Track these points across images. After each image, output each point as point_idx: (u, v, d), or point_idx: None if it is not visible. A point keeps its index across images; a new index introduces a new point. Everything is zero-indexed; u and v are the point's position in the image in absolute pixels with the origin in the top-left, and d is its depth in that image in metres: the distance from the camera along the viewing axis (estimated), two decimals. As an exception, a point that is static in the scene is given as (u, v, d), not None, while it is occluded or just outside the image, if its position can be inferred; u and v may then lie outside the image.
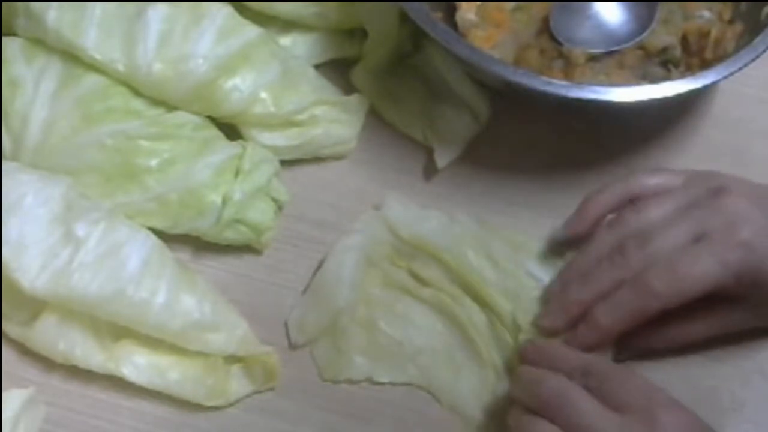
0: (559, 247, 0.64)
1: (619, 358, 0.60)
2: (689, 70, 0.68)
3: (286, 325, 0.62)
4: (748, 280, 0.56)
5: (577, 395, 0.53)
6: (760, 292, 0.57)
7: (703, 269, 0.55)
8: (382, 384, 0.61)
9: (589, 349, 0.57)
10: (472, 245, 0.64)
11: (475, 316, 0.62)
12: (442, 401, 0.60)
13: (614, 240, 0.59)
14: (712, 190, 0.58)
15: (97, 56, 0.63)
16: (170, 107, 0.65)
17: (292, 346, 0.61)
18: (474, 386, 0.60)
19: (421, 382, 0.60)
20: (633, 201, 0.60)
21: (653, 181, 0.61)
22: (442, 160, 0.68)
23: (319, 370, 0.61)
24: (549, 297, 0.61)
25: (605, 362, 0.57)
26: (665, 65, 0.69)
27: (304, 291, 0.63)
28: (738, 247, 0.55)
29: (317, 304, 0.62)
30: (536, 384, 0.54)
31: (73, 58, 0.64)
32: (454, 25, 0.70)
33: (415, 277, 0.63)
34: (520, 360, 0.58)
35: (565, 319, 0.59)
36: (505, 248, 0.64)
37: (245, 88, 0.65)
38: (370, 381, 0.61)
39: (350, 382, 0.61)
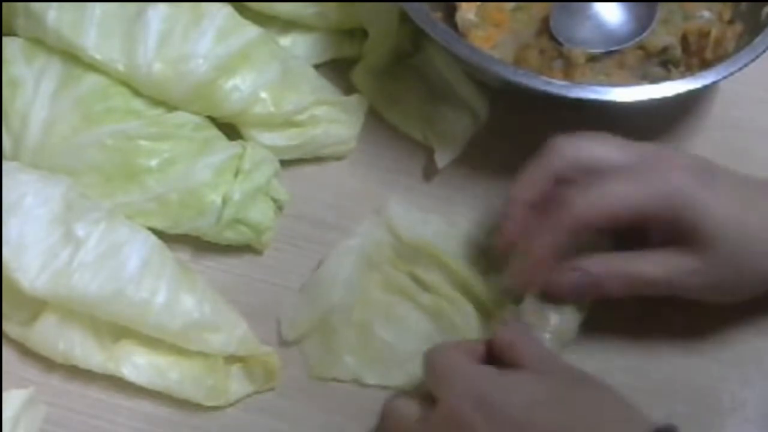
0: None
1: (557, 289, 0.58)
2: (689, 70, 0.68)
3: (278, 320, 0.62)
4: (671, 213, 0.55)
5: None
6: (689, 227, 0.55)
7: (624, 189, 0.55)
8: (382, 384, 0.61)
9: (527, 278, 0.58)
10: (473, 249, 0.64)
11: (473, 322, 0.61)
12: None
13: (569, 197, 0.57)
14: (658, 156, 0.58)
15: (97, 56, 0.63)
16: (170, 107, 0.65)
17: (283, 342, 0.61)
18: None
19: (408, 389, 0.60)
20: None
21: (584, 155, 0.59)
22: (442, 160, 0.68)
23: (308, 367, 0.61)
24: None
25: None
26: (665, 65, 0.69)
27: (301, 289, 0.63)
28: (665, 171, 0.55)
29: (310, 301, 0.62)
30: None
31: (73, 58, 0.64)
32: (454, 25, 0.70)
33: (417, 280, 0.63)
34: None
35: (527, 275, 0.59)
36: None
37: (245, 88, 0.65)
38: (357, 382, 0.60)
39: (337, 381, 0.61)
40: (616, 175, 0.56)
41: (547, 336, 0.57)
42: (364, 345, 0.61)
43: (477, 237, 0.64)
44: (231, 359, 0.60)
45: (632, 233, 0.58)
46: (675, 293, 0.58)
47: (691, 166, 0.56)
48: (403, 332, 0.61)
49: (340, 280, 0.62)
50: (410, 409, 0.54)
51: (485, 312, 0.62)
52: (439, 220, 0.65)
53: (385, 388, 0.60)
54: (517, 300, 0.59)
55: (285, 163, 0.67)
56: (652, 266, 0.57)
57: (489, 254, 0.63)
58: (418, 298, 0.62)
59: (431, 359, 0.55)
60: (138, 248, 0.59)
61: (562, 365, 0.54)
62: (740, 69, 0.63)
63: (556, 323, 0.57)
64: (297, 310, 0.62)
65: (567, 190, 0.56)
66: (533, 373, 0.52)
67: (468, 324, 0.61)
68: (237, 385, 0.60)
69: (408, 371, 0.60)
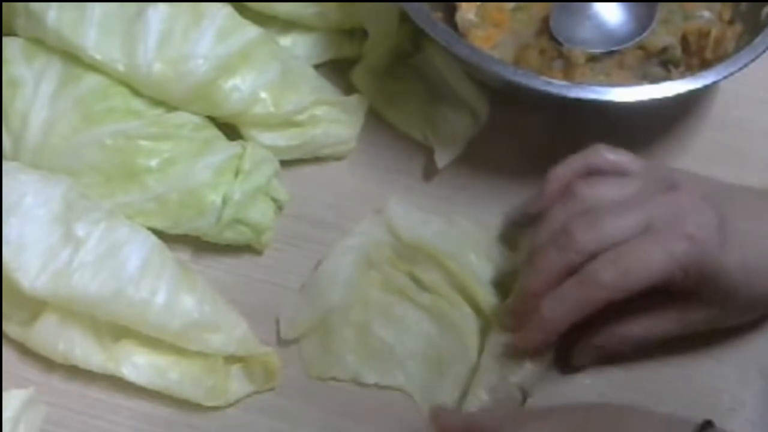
0: None
1: (577, 363, 0.60)
2: (689, 70, 0.68)
3: (277, 320, 0.62)
4: (694, 272, 0.55)
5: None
6: (710, 288, 0.56)
7: (649, 260, 0.55)
8: (381, 384, 0.61)
9: (536, 345, 0.58)
10: (473, 249, 0.64)
11: (471, 322, 0.61)
12: (423, 409, 0.60)
13: (563, 217, 0.58)
14: (665, 184, 0.57)
15: (97, 56, 0.63)
16: (170, 107, 0.65)
17: (282, 342, 0.61)
18: (457, 396, 0.60)
19: (407, 388, 0.60)
20: (590, 174, 0.60)
21: (612, 156, 0.60)
22: (442, 160, 0.68)
23: (306, 366, 0.61)
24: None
25: None
26: (665, 65, 0.69)
27: (301, 289, 0.63)
28: (683, 239, 0.55)
29: (310, 301, 0.62)
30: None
31: (73, 58, 0.64)
32: (454, 25, 0.70)
33: (416, 281, 0.63)
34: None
35: (521, 312, 0.58)
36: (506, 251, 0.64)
37: (245, 88, 0.65)
38: (356, 382, 0.60)
39: (336, 380, 0.60)
40: (636, 246, 0.55)
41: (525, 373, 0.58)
42: (363, 344, 0.61)
43: (477, 240, 0.64)
44: (231, 359, 0.60)
45: None
46: None
47: (706, 220, 0.55)
48: (403, 332, 0.61)
49: (339, 280, 0.62)
50: None
51: (484, 314, 0.62)
52: (439, 220, 0.65)
53: (384, 387, 0.60)
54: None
55: (285, 163, 0.67)
56: (663, 328, 0.58)
57: (490, 259, 0.63)
58: (417, 298, 0.62)
59: None
60: (138, 248, 0.59)
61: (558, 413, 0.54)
62: (740, 69, 0.63)
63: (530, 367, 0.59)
64: (296, 309, 0.62)
65: (590, 264, 0.55)
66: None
67: (467, 324, 0.61)
68: (237, 385, 0.60)
69: (407, 370, 0.60)
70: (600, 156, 0.60)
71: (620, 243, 0.55)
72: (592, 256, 0.55)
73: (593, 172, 0.60)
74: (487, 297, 0.61)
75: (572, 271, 0.56)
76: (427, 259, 0.63)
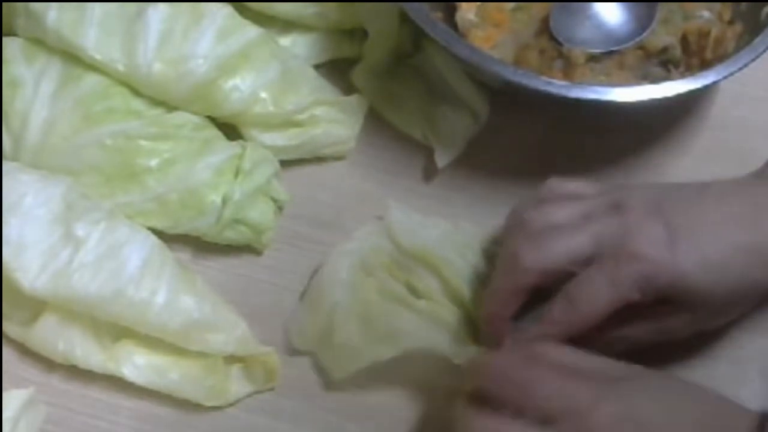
0: None
1: None
2: (689, 70, 0.68)
3: (285, 330, 0.62)
4: (651, 289, 0.54)
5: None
6: (676, 297, 0.55)
7: (594, 293, 0.55)
8: (382, 384, 0.61)
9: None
10: (473, 253, 0.63)
11: (466, 328, 0.61)
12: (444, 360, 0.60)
13: (512, 245, 0.58)
14: (611, 205, 0.57)
15: (97, 56, 0.63)
16: (170, 107, 0.65)
17: (292, 352, 0.61)
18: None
19: (420, 351, 0.60)
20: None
21: (562, 187, 0.60)
22: (442, 160, 0.68)
23: (328, 373, 0.61)
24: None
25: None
26: (665, 65, 0.69)
27: (303, 294, 0.63)
28: (628, 261, 0.54)
29: (313, 309, 0.62)
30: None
31: (73, 58, 0.64)
32: (454, 25, 0.70)
33: (411, 289, 0.62)
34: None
35: (491, 329, 0.59)
36: None
37: (245, 88, 0.65)
38: (378, 365, 0.59)
39: (361, 374, 0.60)
40: (583, 280, 0.55)
41: None
42: (369, 331, 0.60)
43: (479, 243, 0.64)
44: (231, 359, 0.60)
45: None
46: None
47: (652, 235, 0.55)
48: (402, 320, 0.61)
49: (338, 284, 0.61)
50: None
51: (475, 323, 0.61)
52: (441, 225, 0.64)
53: (386, 387, 0.60)
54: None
55: (285, 163, 0.67)
56: (645, 334, 0.58)
57: (490, 259, 0.63)
58: (412, 304, 0.61)
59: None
60: (138, 248, 0.59)
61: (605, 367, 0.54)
62: (740, 69, 0.63)
63: None
64: (302, 319, 0.62)
65: (517, 244, 0.57)
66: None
67: (462, 328, 0.61)
68: (237, 385, 0.60)
69: (416, 336, 0.60)
70: (549, 188, 0.60)
71: (568, 264, 0.55)
72: (545, 278, 0.56)
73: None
74: (482, 309, 0.61)
75: (526, 292, 0.57)
76: (425, 267, 0.63)
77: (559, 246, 0.56)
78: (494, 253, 0.63)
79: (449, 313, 0.61)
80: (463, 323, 0.61)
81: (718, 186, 0.58)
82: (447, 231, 0.64)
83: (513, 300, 0.58)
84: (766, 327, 0.63)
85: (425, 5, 0.65)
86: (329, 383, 0.61)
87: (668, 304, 0.56)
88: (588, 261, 0.55)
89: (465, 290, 0.62)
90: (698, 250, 0.55)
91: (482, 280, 0.62)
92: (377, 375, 0.61)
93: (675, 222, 0.55)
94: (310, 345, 0.61)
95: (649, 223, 0.55)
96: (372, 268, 0.62)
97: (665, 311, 0.56)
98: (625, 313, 0.56)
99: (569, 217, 0.57)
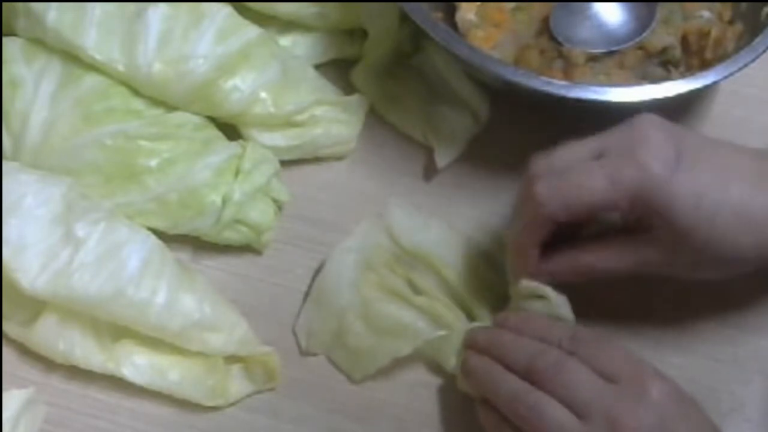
0: None
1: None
2: (689, 70, 0.68)
3: (294, 333, 0.62)
4: (641, 203, 0.54)
5: (574, 365, 0.53)
6: (660, 223, 0.55)
7: (591, 182, 0.55)
8: (382, 384, 0.61)
9: (518, 271, 0.59)
10: (472, 256, 0.63)
11: (464, 324, 0.61)
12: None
13: (524, 184, 0.58)
14: (623, 123, 0.57)
15: (97, 56, 0.63)
16: (170, 107, 0.65)
17: (304, 353, 0.61)
18: None
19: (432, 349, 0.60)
20: None
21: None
22: (442, 160, 0.68)
23: (347, 373, 0.61)
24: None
25: (590, 332, 0.56)
26: (665, 65, 0.69)
27: (306, 295, 0.63)
28: (632, 166, 0.54)
29: (321, 308, 0.62)
30: (532, 357, 0.54)
31: (73, 58, 0.64)
32: (454, 25, 0.70)
33: (412, 285, 0.62)
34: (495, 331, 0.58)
35: (519, 268, 0.59)
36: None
37: (245, 88, 0.65)
38: (398, 359, 0.60)
39: (381, 372, 0.60)
40: (581, 169, 0.56)
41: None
42: (379, 329, 0.60)
43: (478, 241, 0.64)
44: (231, 359, 0.60)
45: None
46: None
47: (660, 151, 0.55)
48: (405, 312, 0.61)
49: (343, 284, 0.61)
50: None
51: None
52: (441, 225, 0.64)
53: (385, 384, 0.61)
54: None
55: (285, 163, 0.67)
56: (618, 259, 0.57)
57: (490, 260, 0.63)
58: (412, 300, 0.62)
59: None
60: (138, 248, 0.59)
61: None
62: (740, 69, 0.63)
63: (554, 296, 0.58)
64: (310, 319, 0.62)
65: (536, 187, 0.56)
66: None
67: (460, 325, 0.61)
68: (237, 385, 0.60)
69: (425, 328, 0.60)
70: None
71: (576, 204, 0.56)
72: (553, 215, 0.56)
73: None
74: (481, 309, 0.62)
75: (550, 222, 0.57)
76: (425, 266, 0.63)
77: (566, 151, 0.57)
78: (492, 253, 0.63)
79: (447, 310, 0.61)
80: (462, 321, 0.61)
81: (737, 145, 0.58)
82: (445, 231, 0.64)
83: (538, 230, 0.57)
84: (765, 327, 0.63)
85: (425, 5, 0.65)
86: (329, 383, 0.61)
87: (648, 232, 0.56)
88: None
89: (463, 289, 0.62)
90: (696, 183, 0.54)
91: (481, 280, 0.62)
92: (377, 375, 0.61)
93: (685, 149, 0.55)
94: (322, 347, 0.61)
95: (659, 139, 0.55)
96: (373, 264, 0.62)
97: (644, 239, 0.56)
98: (610, 237, 0.56)
99: (579, 156, 0.57)
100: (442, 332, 0.60)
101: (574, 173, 0.55)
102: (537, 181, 0.56)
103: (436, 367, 0.61)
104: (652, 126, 0.56)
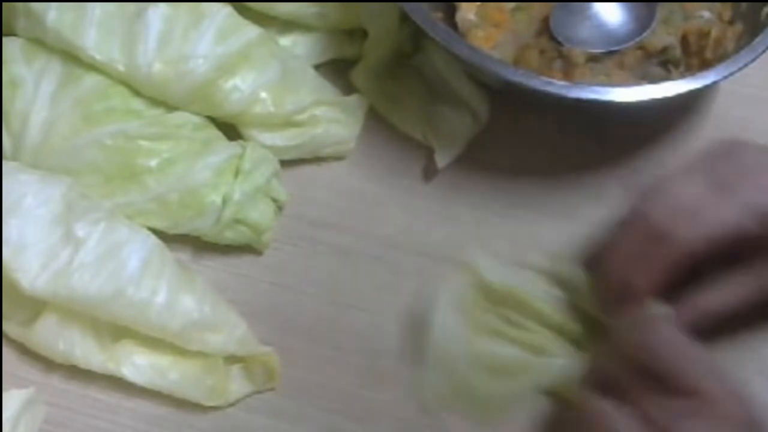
0: None
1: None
2: (689, 70, 0.68)
3: (416, 395, 0.61)
4: None
5: None
6: None
7: (724, 211, 0.55)
8: (382, 384, 0.61)
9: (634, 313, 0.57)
10: (551, 288, 0.63)
11: (574, 355, 0.60)
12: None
13: (647, 227, 0.57)
14: (725, 148, 0.58)
15: (97, 56, 0.63)
16: (170, 107, 0.65)
17: (427, 414, 0.60)
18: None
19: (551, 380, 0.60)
20: None
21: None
22: (442, 160, 0.68)
23: (481, 424, 0.60)
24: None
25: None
26: (665, 65, 0.69)
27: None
28: (758, 190, 0.55)
29: (439, 370, 0.60)
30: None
31: (73, 58, 0.64)
32: (454, 25, 0.70)
33: (508, 321, 0.61)
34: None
35: (612, 296, 0.58)
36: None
37: (245, 88, 0.65)
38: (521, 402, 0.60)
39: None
40: (707, 200, 0.56)
41: None
42: (494, 370, 0.60)
43: (547, 269, 0.63)
44: (231, 359, 0.60)
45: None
46: None
47: None
48: (514, 365, 0.60)
49: (454, 340, 0.60)
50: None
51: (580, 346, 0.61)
52: (521, 270, 0.63)
53: (380, 391, 0.60)
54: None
55: (285, 163, 0.67)
56: (748, 289, 0.58)
57: (566, 284, 0.62)
58: (515, 336, 0.61)
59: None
60: (138, 248, 0.59)
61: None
62: (740, 69, 0.63)
63: None
64: (432, 385, 0.60)
65: (667, 223, 0.56)
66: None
67: (570, 356, 0.60)
68: (237, 385, 0.60)
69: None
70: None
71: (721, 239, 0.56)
72: (692, 257, 0.56)
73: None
74: (580, 334, 0.61)
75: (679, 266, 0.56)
76: (517, 305, 0.61)
77: (681, 187, 0.56)
78: (562, 276, 0.62)
79: (551, 341, 0.60)
80: (566, 348, 0.61)
81: None
82: (530, 274, 0.63)
83: (666, 271, 0.56)
84: (765, 327, 0.63)
85: (425, 5, 0.65)
86: (328, 382, 0.61)
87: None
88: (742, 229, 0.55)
89: (557, 317, 0.61)
90: None
91: (570, 307, 0.61)
92: (377, 375, 0.61)
93: None
94: (448, 405, 0.60)
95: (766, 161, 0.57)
96: (466, 307, 0.61)
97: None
98: (727, 272, 0.56)
99: (701, 191, 0.57)
100: (559, 361, 0.59)
101: (705, 206, 0.55)
102: (671, 220, 0.56)
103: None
104: (754, 150, 0.57)
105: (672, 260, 0.56)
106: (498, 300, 0.62)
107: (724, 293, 0.58)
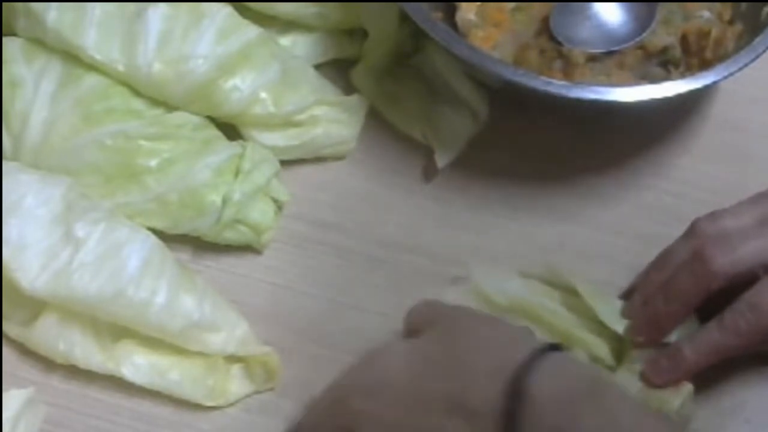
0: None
1: None
2: (689, 70, 0.68)
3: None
4: None
5: None
6: None
7: (761, 244, 0.55)
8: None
9: (676, 382, 0.57)
10: (556, 296, 0.62)
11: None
12: None
13: (690, 248, 0.58)
14: None
15: (97, 56, 0.63)
16: (170, 107, 0.65)
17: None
18: None
19: None
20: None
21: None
22: (442, 160, 0.68)
23: None
24: (631, 313, 0.60)
25: None
26: (665, 65, 0.69)
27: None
28: None
29: None
30: None
31: (73, 58, 0.64)
32: (454, 25, 0.70)
33: None
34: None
35: (655, 333, 0.58)
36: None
37: (245, 88, 0.65)
38: None
39: None
40: (749, 234, 0.56)
41: None
42: None
43: (556, 282, 0.63)
44: (231, 359, 0.60)
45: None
46: None
47: None
48: None
49: None
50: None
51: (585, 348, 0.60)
52: (518, 278, 0.62)
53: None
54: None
55: (285, 163, 0.67)
56: None
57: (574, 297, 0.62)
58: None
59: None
60: (138, 248, 0.59)
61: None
62: (740, 69, 0.63)
63: None
64: None
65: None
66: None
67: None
68: (237, 385, 0.60)
69: None
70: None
71: (752, 271, 0.56)
72: (726, 280, 0.56)
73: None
74: (600, 344, 0.60)
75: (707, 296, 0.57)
76: (522, 317, 0.61)
77: (747, 248, 0.56)
78: (569, 287, 0.62)
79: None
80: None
81: None
82: (525, 281, 0.62)
83: (694, 302, 0.57)
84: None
85: (425, 5, 0.65)
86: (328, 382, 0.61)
87: None
88: None
89: (561, 326, 0.60)
90: None
91: (579, 316, 0.61)
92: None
93: None
94: None
95: None
96: None
97: None
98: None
99: (743, 224, 0.57)
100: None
101: (750, 240, 0.56)
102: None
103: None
104: None
105: (730, 349, 0.56)
106: (501, 310, 0.61)
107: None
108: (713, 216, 0.59)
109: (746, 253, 0.56)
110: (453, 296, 0.61)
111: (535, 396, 0.47)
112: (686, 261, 0.58)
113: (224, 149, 0.64)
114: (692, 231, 0.59)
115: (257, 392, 0.60)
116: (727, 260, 0.56)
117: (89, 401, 0.60)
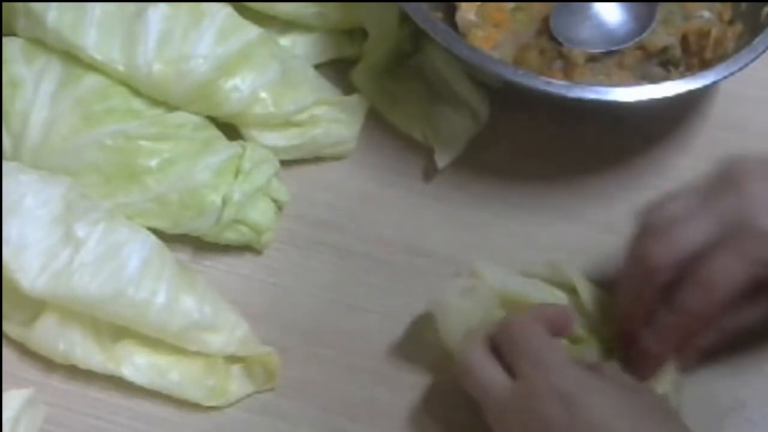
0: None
1: (685, 366, 0.60)
2: (689, 70, 0.68)
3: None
4: None
5: None
6: None
7: (731, 274, 0.55)
8: (382, 384, 0.61)
9: (647, 375, 0.58)
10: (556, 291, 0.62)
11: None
12: None
13: (631, 250, 0.58)
14: (726, 182, 0.57)
15: (97, 56, 0.63)
16: (170, 107, 0.65)
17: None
18: None
19: None
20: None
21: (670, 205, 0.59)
22: (442, 160, 0.68)
23: None
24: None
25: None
26: (665, 65, 0.69)
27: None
28: (757, 237, 0.54)
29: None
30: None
31: (73, 58, 0.64)
32: (454, 25, 0.70)
33: None
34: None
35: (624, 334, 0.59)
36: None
37: (245, 88, 0.65)
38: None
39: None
40: (714, 262, 0.55)
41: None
42: None
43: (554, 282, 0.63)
44: (231, 359, 0.60)
45: None
46: None
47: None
48: None
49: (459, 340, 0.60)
50: (494, 372, 0.55)
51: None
52: (517, 275, 0.62)
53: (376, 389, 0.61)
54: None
55: (285, 163, 0.67)
56: (761, 310, 0.58)
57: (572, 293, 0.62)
58: None
59: (512, 327, 0.56)
60: (138, 248, 0.59)
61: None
62: (740, 69, 0.63)
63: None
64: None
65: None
66: (612, 380, 0.54)
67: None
68: (237, 385, 0.60)
69: None
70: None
71: (695, 254, 0.55)
72: (676, 271, 0.56)
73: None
74: (593, 341, 0.60)
75: (661, 290, 0.56)
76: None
77: (683, 236, 0.56)
78: (571, 286, 0.62)
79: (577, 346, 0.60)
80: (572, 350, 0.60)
81: None
82: (526, 278, 0.62)
83: (646, 299, 0.57)
84: (765, 328, 0.63)
85: (425, 5, 0.65)
86: (328, 383, 0.61)
87: None
88: (715, 245, 0.55)
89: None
90: None
91: (580, 314, 0.61)
92: (377, 375, 0.61)
93: None
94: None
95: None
96: (475, 314, 0.60)
97: None
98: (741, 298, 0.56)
99: (687, 206, 0.57)
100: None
101: (710, 271, 0.55)
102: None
103: (436, 367, 0.61)
104: (754, 178, 0.56)
105: (692, 332, 0.57)
106: (505, 306, 0.61)
107: (738, 317, 0.58)
108: (660, 203, 0.58)
109: (686, 238, 0.56)
110: (455, 290, 0.61)
111: None
112: (632, 258, 0.58)
113: (224, 149, 0.64)
114: (639, 224, 0.58)
115: (257, 392, 0.60)
116: (663, 251, 0.56)
117: (89, 401, 0.60)
